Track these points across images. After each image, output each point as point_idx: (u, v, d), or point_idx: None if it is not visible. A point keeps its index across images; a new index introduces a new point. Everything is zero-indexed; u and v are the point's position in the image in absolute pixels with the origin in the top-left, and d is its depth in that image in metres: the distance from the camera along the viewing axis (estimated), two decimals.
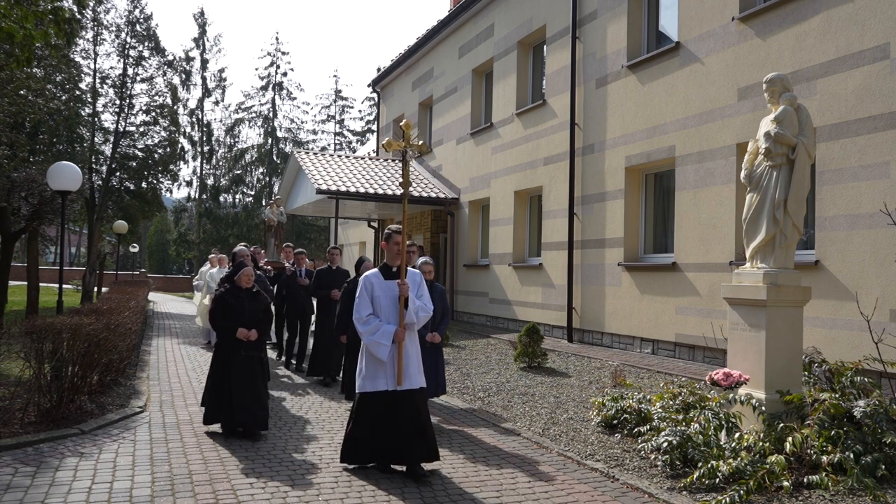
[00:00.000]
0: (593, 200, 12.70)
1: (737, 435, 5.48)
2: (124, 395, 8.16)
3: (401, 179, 6.34)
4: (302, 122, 55.15)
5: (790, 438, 5.13)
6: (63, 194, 12.24)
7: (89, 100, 30.92)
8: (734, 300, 6.10)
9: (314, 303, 10.88)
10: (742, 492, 4.66)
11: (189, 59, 48.46)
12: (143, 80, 32.55)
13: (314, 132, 54.66)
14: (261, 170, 50.39)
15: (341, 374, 8.47)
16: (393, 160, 20.98)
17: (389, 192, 17.82)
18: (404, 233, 5.51)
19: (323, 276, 9.96)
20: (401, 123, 5.70)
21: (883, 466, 4.93)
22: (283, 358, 11.49)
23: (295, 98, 60.90)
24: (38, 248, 16.58)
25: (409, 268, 5.66)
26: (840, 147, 8.24)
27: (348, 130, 55.80)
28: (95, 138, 31.17)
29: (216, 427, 6.68)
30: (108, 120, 32.31)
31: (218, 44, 50.20)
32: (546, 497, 4.93)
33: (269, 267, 12.32)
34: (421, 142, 5.78)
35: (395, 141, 5.60)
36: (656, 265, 11.14)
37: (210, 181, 49.48)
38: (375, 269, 5.59)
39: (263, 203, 48.51)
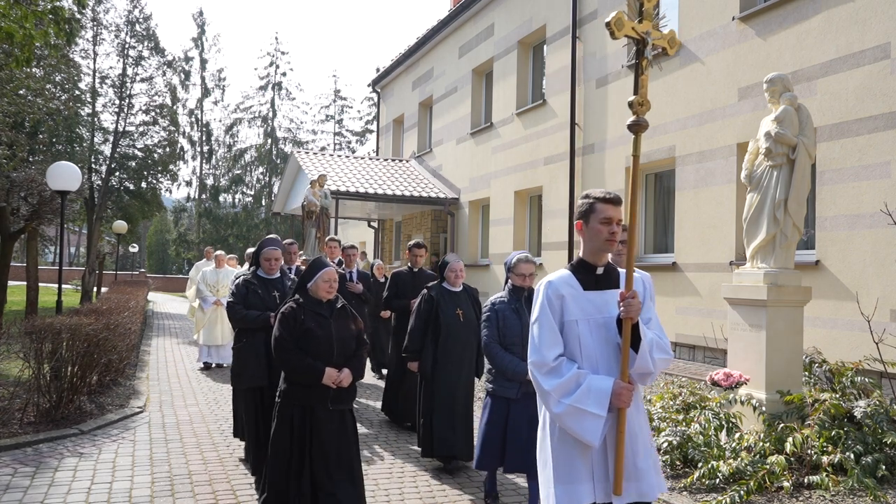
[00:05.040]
0: None
1: (737, 435, 5.47)
2: (124, 395, 8.15)
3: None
4: (301, 122, 55.27)
5: (790, 439, 5.12)
6: (62, 194, 12.23)
7: (89, 100, 30.88)
8: (734, 300, 6.09)
9: (367, 315, 8.45)
10: (742, 492, 4.66)
11: (188, 59, 48.39)
12: (142, 80, 32.53)
13: (313, 132, 54.59)
14: (260, 170, 50.33)
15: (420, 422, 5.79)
16: (393, 160, 20.97)
17: (389, 192, 17.84)
18: (636, 201, 3.00)
19: (401, 282, 7.43)
20: None
21: (883, 467, 4.93)
22: None
23: (294, 98, 60.99)
24: (37, 247, 16.57)
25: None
26: (840, 147, 8.23)
27: (347, 130, 55.74)
28: (95, 138, 31.14)
29: None
30: (107, 120, 32.30)
31: (217, 44, 50.33)
32: None
33: None
34: (668, 29, 3.13)
35: (629, 21, 3.01)
36: (656, 265, 11.13)
37: (210, 181, 49.41)
38: (565, 272, 2.96)
39: (263, 203, 48.47)
